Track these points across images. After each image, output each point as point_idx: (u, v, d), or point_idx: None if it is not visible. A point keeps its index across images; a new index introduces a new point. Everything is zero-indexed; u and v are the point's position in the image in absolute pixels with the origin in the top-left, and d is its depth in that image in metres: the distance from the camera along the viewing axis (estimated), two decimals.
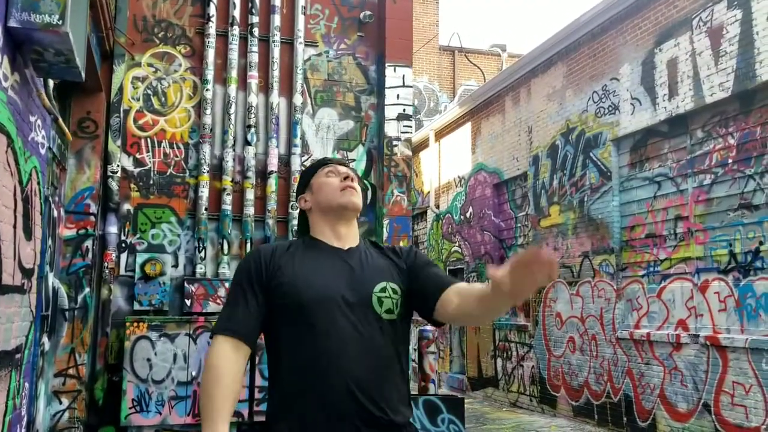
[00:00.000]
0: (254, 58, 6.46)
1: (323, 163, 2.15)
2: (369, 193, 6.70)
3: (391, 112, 6.63)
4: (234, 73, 6.41)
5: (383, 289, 1.92)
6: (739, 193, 7.02)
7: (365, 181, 6.68)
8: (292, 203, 6.40)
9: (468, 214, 13.11)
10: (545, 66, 10.52)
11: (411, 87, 6.81)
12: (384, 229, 6.45)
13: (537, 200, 10.59)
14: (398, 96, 6.67)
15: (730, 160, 7.16)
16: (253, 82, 6.44)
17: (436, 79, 20.40)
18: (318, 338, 1.83)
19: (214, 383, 1.78)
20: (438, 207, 14.59)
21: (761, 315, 6.69)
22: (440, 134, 14.58)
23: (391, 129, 6.61)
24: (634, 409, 8.20)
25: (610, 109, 8.90)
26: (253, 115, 6.39)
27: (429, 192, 14.75)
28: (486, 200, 12.40)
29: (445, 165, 14.42)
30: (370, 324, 1.87)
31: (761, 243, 6.73)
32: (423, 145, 15.07)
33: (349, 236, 2.05)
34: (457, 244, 13.62)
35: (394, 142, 6.60)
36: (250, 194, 6.28)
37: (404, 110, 6.67)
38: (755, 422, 6.54)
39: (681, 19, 7.71)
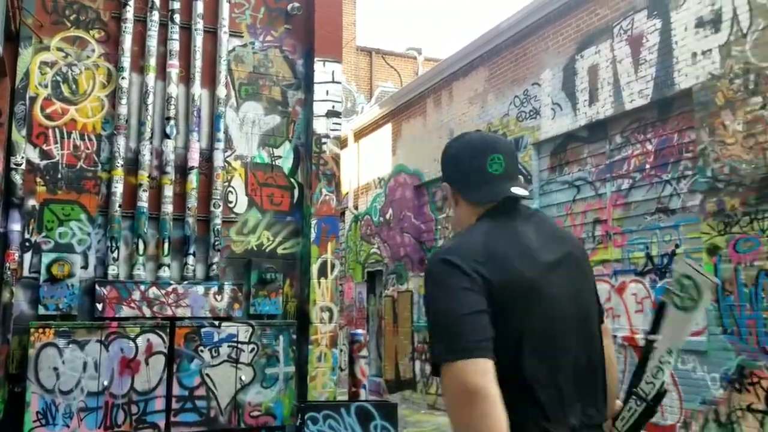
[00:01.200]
0: (175, 46, 6.07)
1: None
2: (296, 192, 6.46)
3: (319, 108, 6.41)
4: (152, 62, 5.99)
5: None
6: (656, 197, 7.26)
7: (292, 179, 6.44)
8: (214, 201, 6.06)
9: (388, 216, 13.03)
10: (467, 69, 10.59)
11: (340, 83, 6.62)
12: (312, 230, 6.22)
13: None
14: (327, 92, 6.46)
15: (647, 166, 7.39)
16: (173, 71, 6.05)
17: (353, 80, 20.29)
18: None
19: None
20: (357, 208, 14.45)
21: None
22: (360, 135, 14.45)
23: (320, 126, 6.38)
24: None
25: (532, 113, 9.04)
26: (172, 107, 6.00)
27: (348, 193, 14.58)
28: (406, 202, 12.36)
29: (364, 166, 14.30)
30: None
31: (677, 246, 6.97)
32: (342, 145, 14.84)
33: None
34: (376, 245, 13.52)
35: (323, 140, 6.38)
36: (168, 191, 5.89)
37: (333, 107, 6.47)
38: (671, 420, 6.76)
39: (602, 27, 7.91)
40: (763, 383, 5.87)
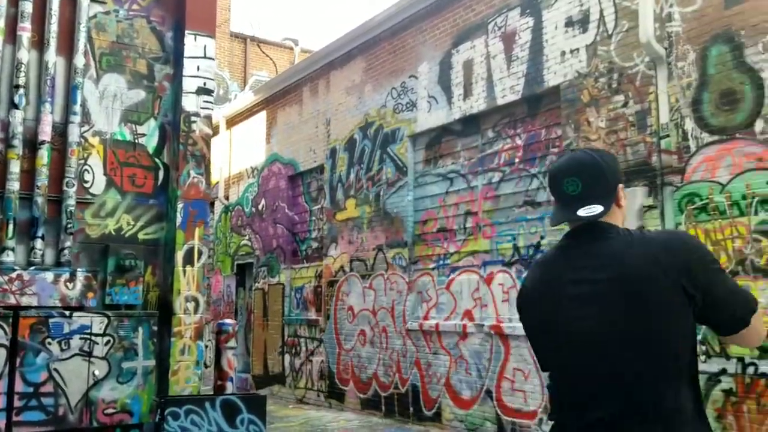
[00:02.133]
0: (27, 7, 5.47)
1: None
2: (161, 173, 6.04)
3: (189, 84, 6.02)
4: (1, 23, 5.38)
5: None
6: (524, 190, 7.50)
7: (156, 160, 6.01)
8: (67, 180, 5.52)
9: (260, 207, 12.67)
10: (345, 59, 10.48)
11: (213, 60, 6.26)
12: (178, 214, 5.84)
13: (333, 193, 10.51)
14: (198, 68, 6.08)
15: (517, 160, 7.62)
16: (25, 35, 5.45)
17: (226, 66, 19.60)
18: None
19: None
20: (227, 198, 13.94)
21: None
22: (232, 122, 13.95)
23: (190, 103, 5.99)
24: (421, 399, 8.42)
25: (408, 105, 9.08)
26: (22, 74, 5.40)
27: (218, 182, 14.02)
28: (280, 192, 12.07)
29: (236, 154, 13.82)
30: None
31: (542, 237, 7.24)
32: (213, 132, 14.27)
33: None
34: (247, 237, 13.11)
35: (193, 118, 6.00)
36: (14, 166, 5.29)
37: (205, 84, 6.10)
38: (533, 406, 7.00)
39: (478, 23, 8.07)
40: None
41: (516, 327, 7.24)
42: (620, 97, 6.39)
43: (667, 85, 6.02)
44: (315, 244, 11.25)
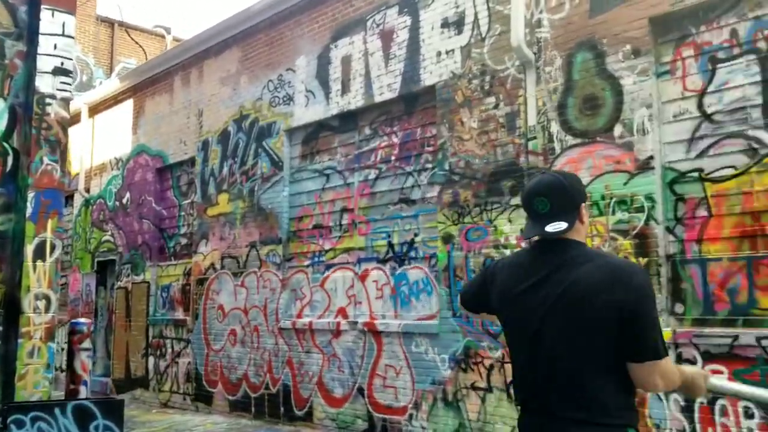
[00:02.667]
0: None
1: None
2: (10, 159, 5.50)
3: (45, 63, 5.53)
4: None
5: None
6: (400, 188, 7.56)
7: (5, 144, 5.47)
8: None
9: (125, 200, 11.96)
10: (220, 48, 10.11)
11: (73, 38, 5.79)
12: (28, 204, 5.34)
13: (205, 187, 10.10)
14: (56, 46, 5.60)
15: (393, 158, 7.66)
16: None
17: (91, 52, 18.41)
18: None
19: None
20: (88, 191, 13.06)
21: (413, 301, 7.27)
22: (95, 110, 13.08)
23: (45, 84, 5.51)
24: (292, 399, 8.27)
25: (285, 99, 8.90)
26: None
27: (78, 173, 13.11)
28: (147, 185, 11.45)
29: (99, 144, 12.98)
30: None
31: (416, 235, 7.32)
32: (74, 120, 13.27)
33: None
34: (109, 232, 12.33)
35: (48, 100, 5.52)
36: None
37: (63, 64, 5.63)
38: (403, 402, 7.06)
39: (356, 19, 8.04)
40: (485, 362, 6.37)
41: (389, 324, 7.27)
42: (492, 99, 6.58)
43: (535, 88, 6.27)
44: (184, 241, 10.77)
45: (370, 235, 7.83)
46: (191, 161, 10.61)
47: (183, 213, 10.88)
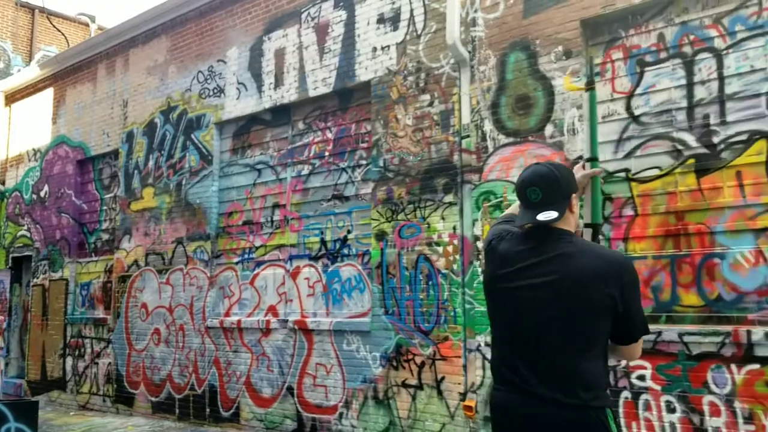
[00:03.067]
0: None
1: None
2: None
3: None
4: None
5: None
6: (333, 184, 7.45)
7: None
8: None
9: (43, 193, 11.37)
10: (147, 37, 9.75)
11: None
12: None
13: (129, 181, 9.70)
14: None
15: (327, 153, 7.55)
16: None
17: (9, 38, 17.48)
18: None
19: None
20: (4, 183, 12.36)
21: (345, 299, 7.17)
22: (12, 98, 12.41)
23: None
24: (219, 399, 8.03)
25: (216, 91, 8.65)
26: None
27: None
28: (67, 178, 10.93)
29: (16, 134, 12.31)
30: None
31: (349, 232, 7.23)
32: None
33: None
34: (25, 227, 11.70)
35: None
36: None
37: None
38: (333, 401, 6.95)
39: (291, 11, 7.89)
40: (416, 359, 6.34)
41: (320, 322, 7.15)
42: (426, 96, 6.57)
43: (470, 87, 6.29)
44: (106, 236, 10.32)
45: (302, 232, 7.69)
46: (114, 153, 10.18)
47: (105, 207, 10.42)
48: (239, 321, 7.93)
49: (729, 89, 5.03)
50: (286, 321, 7.47)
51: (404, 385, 6.42)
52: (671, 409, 4.93)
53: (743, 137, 4.93)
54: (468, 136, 6.25)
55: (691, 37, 5.23)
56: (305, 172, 7.73)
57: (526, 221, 2.35)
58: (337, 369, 6.97)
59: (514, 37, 6.05)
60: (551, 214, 2.29)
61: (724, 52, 5.08)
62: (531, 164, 2.48)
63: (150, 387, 8.92)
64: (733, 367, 4.70)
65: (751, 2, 5.00)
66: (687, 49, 5.25)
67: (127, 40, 10.04)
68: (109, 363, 9.62)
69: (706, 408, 4.78)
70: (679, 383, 4.90)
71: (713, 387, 4.76)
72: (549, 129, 5.76)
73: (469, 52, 6.31)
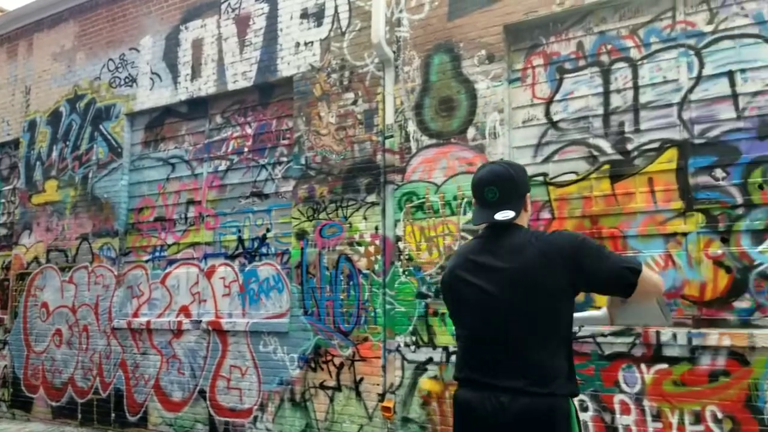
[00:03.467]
0: None
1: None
2: None
3: None
4: None
5: None
6: (252, 181, 7.25)
7: None
8: None
9: None
10: (54, 21, 9.19)
11: None
12: None
13: (30, 173, 9.11)
14: None
15: (246, 149, 7.34)
16: None
17: None
18: None
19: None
20: None
21: (262, 299, 6.99)
22: None
23: None
24: (125, 403, 7.66)
25: (127, 80, 8.25)
26: None
27: None
28: None
29: None
30: None
31: (268, 230, 7.06)
32: None
33: None
34: None
35: None
36: None
37: None
38: (248, 404, 6.76)
39: (210, 1, 7.62)
40: (335, 360, 6.25)
41: (236, 322, 6.93)
42: (350, 95, 6.49)
43: (394, 87, 6.26)
44: (4, 231, 9.65)
45: (218, 230, 7.45)
46: (15, 143, 9.54)
47: (3, 200, 9.75)
48: (148, 322, 7.58)
49: (643, 98, 5.23)
50: (200, 322, 7.21)
51: (322, 386, 6.32)
52: (584, 408, 5.07)
53: (655, 145, 5.14)
54: (392, 137, 6.22)
55: (609, 47, 5.41)
56: (222, 167, 7.48)
57: (484, 220, 2.41)
58: (252, 371, 6.78)
59: (439, 39, 6.07)
60: (508, 214, 2.35)
61: (639, 62, 5.28)
62: (486, 163, 2.51)
63: (50, 391, 8.40)
64: (643, 366, 4.88)
65: (665, 15, 5.22)
66: (604, 58, 5.42)
67: (32, 24, 9.43)
68: (5, 366, 9.00)
69: (617, 407, 4.95)
70: (591, 383, 5.05)
71: (624, 386, 4.94)
72: (471, 132, 5.81)
73: (394, 52, 6.29)
